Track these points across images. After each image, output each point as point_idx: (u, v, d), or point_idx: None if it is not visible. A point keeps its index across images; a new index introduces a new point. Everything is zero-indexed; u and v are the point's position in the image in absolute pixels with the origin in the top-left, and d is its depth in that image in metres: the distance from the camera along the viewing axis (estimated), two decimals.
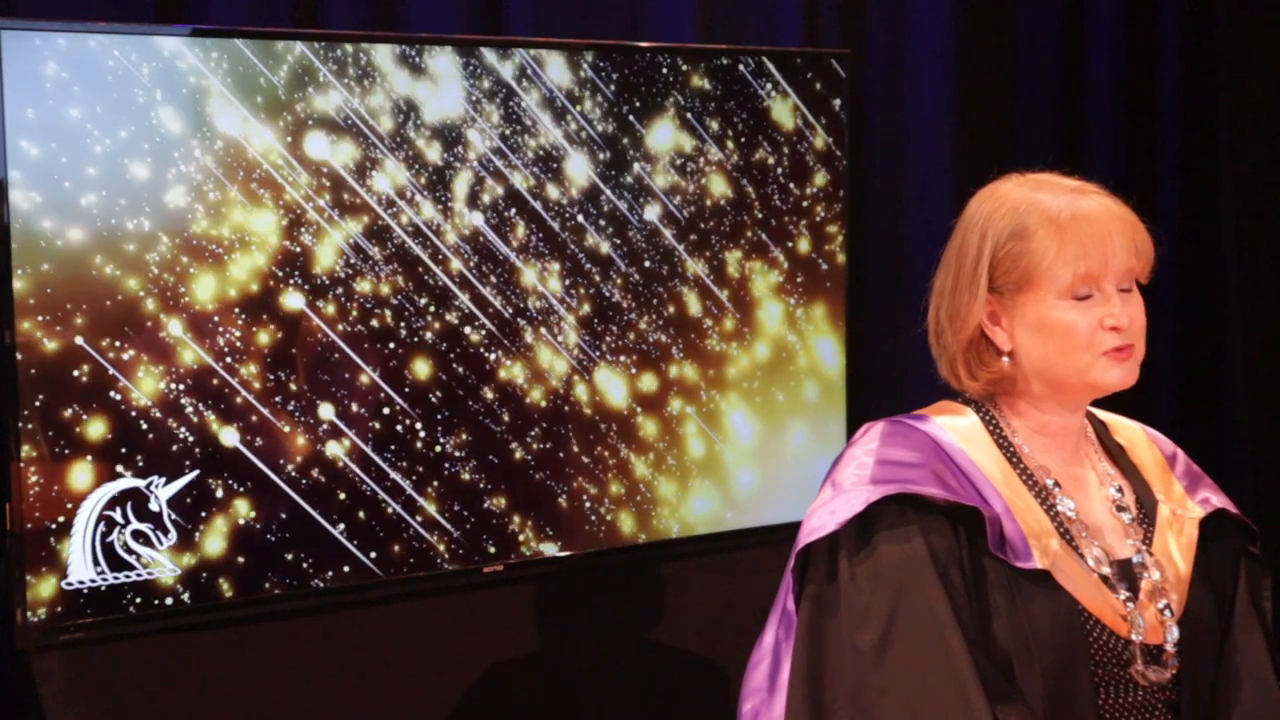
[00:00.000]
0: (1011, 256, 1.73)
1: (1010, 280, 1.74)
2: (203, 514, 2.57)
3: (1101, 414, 1.93)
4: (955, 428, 1.79)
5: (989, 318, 1.77)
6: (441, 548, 2.79)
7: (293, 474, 2.65)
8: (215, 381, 2.57)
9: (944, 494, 1.70)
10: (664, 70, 2.96)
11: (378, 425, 2.72)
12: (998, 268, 1.74)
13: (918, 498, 1.70)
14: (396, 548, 2.75)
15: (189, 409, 2.55)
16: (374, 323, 2.70)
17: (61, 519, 2.46)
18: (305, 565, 2.66)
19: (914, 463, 1.73)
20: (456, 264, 2.78)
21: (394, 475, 2.74)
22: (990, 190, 1.80)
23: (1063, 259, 1.70)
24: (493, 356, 2.83)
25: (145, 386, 2.51)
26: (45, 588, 2.46)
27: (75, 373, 2.46)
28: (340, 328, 2.68)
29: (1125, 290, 1.74)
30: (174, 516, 2.55)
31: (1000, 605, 1.69)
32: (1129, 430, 1.93)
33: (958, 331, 1.78)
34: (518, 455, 2.86)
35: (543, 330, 2.87)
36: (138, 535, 2.52)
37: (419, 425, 2.76)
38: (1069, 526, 1.76)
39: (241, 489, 2.60)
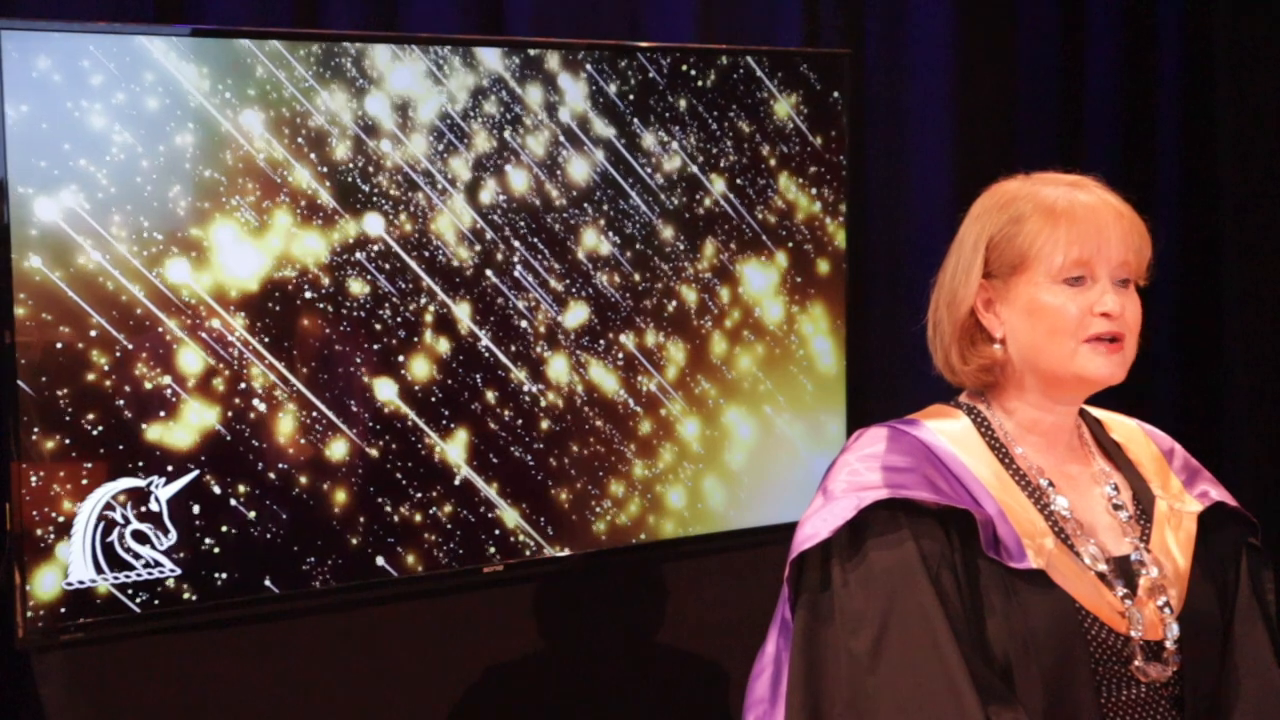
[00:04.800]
0: (1006, 240, 1.75)
1: (1004, 263, 1.76)
2: (203, 513, 2.57)
3: (1096, 412, 1.93)
4: (947, 431, 1.80)
5: (984, 305, 1.78)
6: (442, 548, 2.79)
7: (293, 474, 2.65)
8: (216, 381, 2.57)
9: (934, 497, 1.70)
10: (664, 70, 2.96)
11: (378, 425, 2.72)
12: (993, 251, 1.76)
13: (909, 502, 1.70)
14: (397, 547, 2.75)
15: (189, 408, 2.55)
16: (375, 322, 2.71)
17: (61, 519, 2.46)
18: (305, 565, 2.66)
19: (904, 467, 1.74)
20: (456, 263, 2.78)
21: (394, 475, 2.74)
22: (995, 187, 1.83)
23: (1055, 241, 1.72)
24: (493, 356, 2.83)
25: (145, 386, 2.51)
26: (45, 588, 2.46)
27: (75, 373, 2.46)
28: (341, 327, 2.68)
29: (1121, 286, 1.75)
30: (174, 516, 2.55)
31: (996, 606, 1.69)
32: (1125, 428, 1.93)
33: (953, 316, 1.80)
34: (518, 455, 2.87)
35: (542, 329, 2.87)
36: (138, 535, 2.52)
37: (419, 425, 2.76)
38: (1063, 525, 1.76)
39: (242, 489, 2.60)
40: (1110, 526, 1.79)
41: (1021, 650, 1.67)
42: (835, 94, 3.17)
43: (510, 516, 2.87)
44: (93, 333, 2.47)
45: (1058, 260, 1.72)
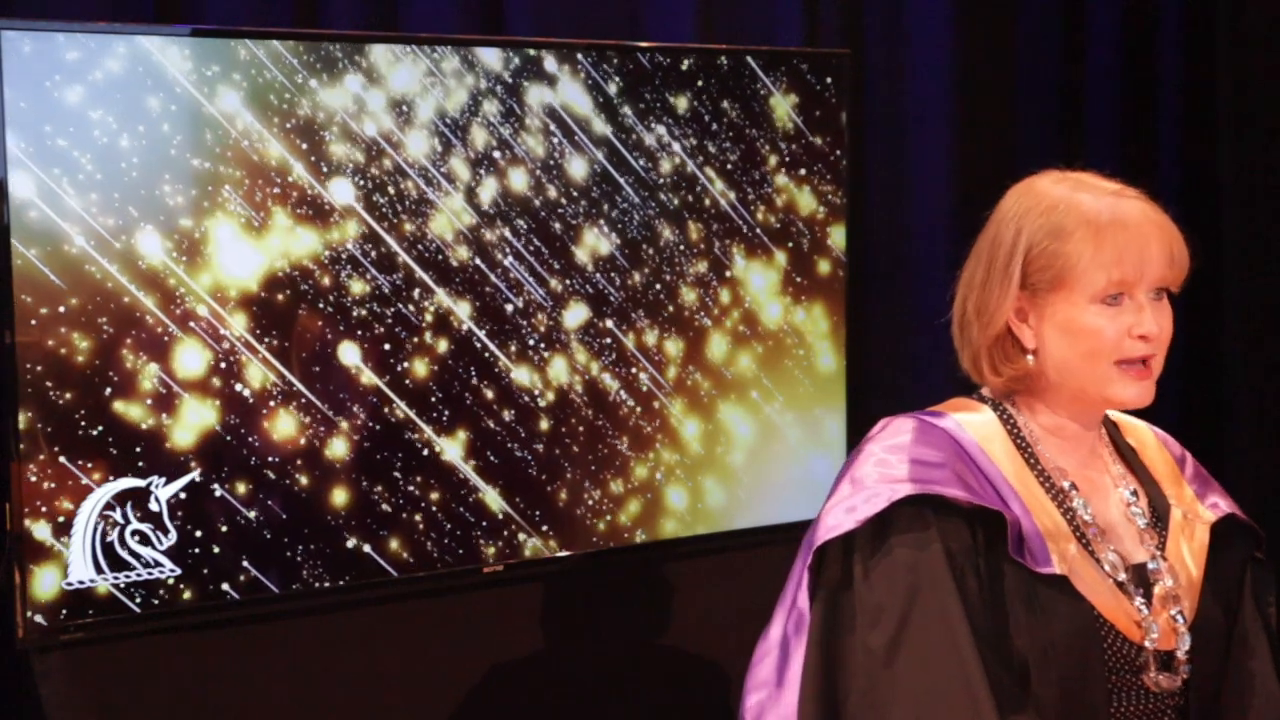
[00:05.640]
0: (1047, 255, 1.71)
1: (1043, 279, 1.72)
2: (203, 513, 2.57)
3: (1113, 414, 1.91)
4: (973, 425, 1.78)
5: (1016, 314, 1.75)
6: (441, 547, 2.79)
7: (293, 473, 2.64)
8: (215, 381, 2.57)
9: (967, 496, 1.68)
10: (663, 69, 2.96)
11: (378, 425, 2.72)
12: (1031, 265, 1.72)
13: (936, 499, 1.68)
14: (396, 547, 2.75)
15: (189, 408, 2.55)
16: (374, 321, 2.70)
17: (61, 519, 2.46)
18: (305, 565, 2.66)
19: (936, 462, 1.71)
20: (456, 262, 2.78)
21: (394, 474, 2.74)
22: (1028, 185, 1.78)
23: (1099, 263, 1.69)
24: (493, 355, 2.83)
25: (145, 386, 2.51)
26: (45, 588, 2.46)
27: (75, 372, 2.46)
28: (340, 326, 2.68)
29: (1155, 298, 1.73)
30: (174, 516, 2.55)
31: (1018, 610, 1.67)
32: (1139, 432, 1.92)
33: (985, 326, 1.76)
34: (518, 454, 2.86)
35: (542, 329, 2.87)
36: (138, 535, 2.52)
37: (419, 424, 2.76)
38: (1085, 530, 1.75)
39: (241, 488, 2.60)
40: (1129, 532, 1.78)
41: (1041, 657, 1.66)
42: (835, 94, 3.17)
43: (510, 516, 2.87)
44: (94, 332, 2.46)
45: (1100, 282, 1.69)
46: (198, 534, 2.57)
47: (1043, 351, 1.75)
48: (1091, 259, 1.69)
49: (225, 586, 2.59)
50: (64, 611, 2.47)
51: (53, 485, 2.45)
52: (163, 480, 2.54)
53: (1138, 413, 1.98)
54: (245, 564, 2.61)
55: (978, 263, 1.78)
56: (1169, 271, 1.72)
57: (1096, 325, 1.70)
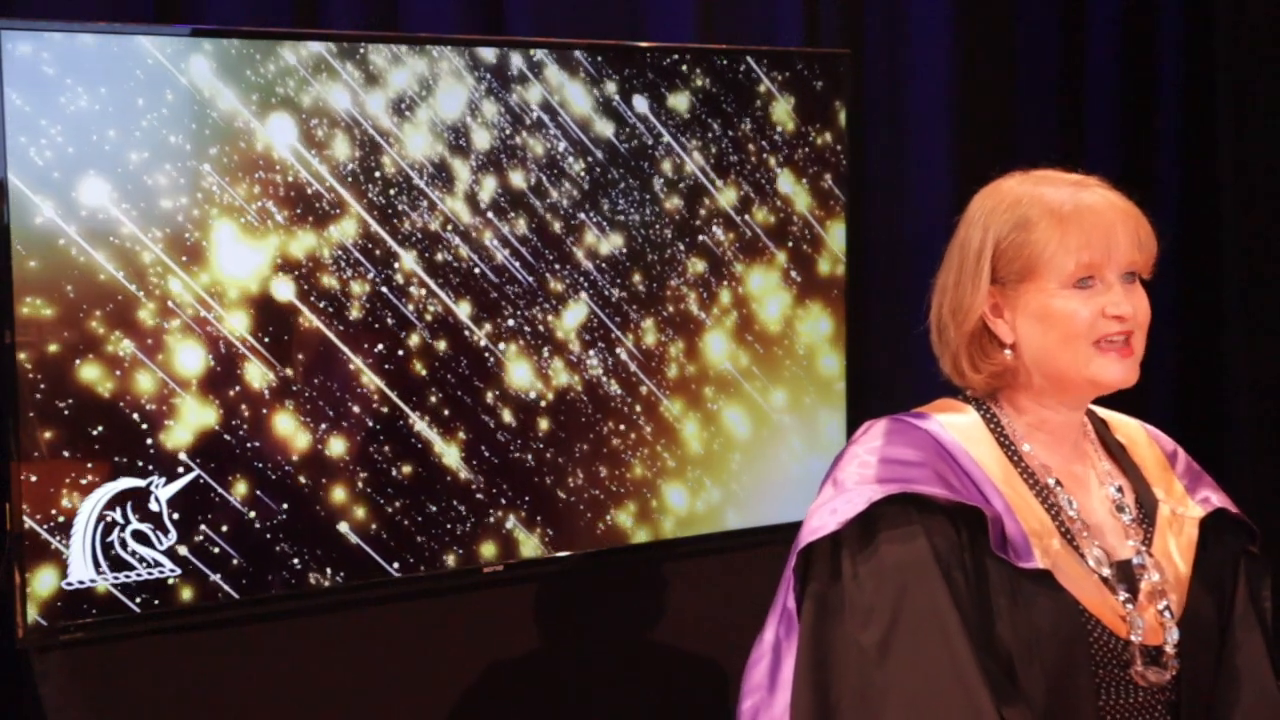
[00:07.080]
0: (1014, 247, 1.73)
1: (1013, 271, 1.74)
2: (203, 513, 2.57)
3: (1102, 412, 1.93)
4: (956, 425, 1.79)
5: (991, 310, 1.77)
6: (441, 547, 2.79)
7: (293, 473, 2.65)
8: (215, 381, 2.57)
9: (946, 493, 1.70)
10: (664, 70, 2.96)
11: (377, 425, 2.72)
12: (1000, 259, 1.75)
13: (920, 497, 1.69)
14: (396, 547, 2.75)
15: (189, 408, 2.55)
16: (374, 321, 2.70)
17: (61, 519, 2.46)
18: (305, 565, 2.66)
19: (916, 461, 1.73)
20: (456, 263, 2.78)
21: (394, 474, 2.74)
22: (992, 187, 1.81)
23: (1065, 248, 1.71)
24: (493, 356, 2.83)
25: (145, 386, 2.51)
26: (45, 588, 2.46)
27: (75, 372, 2.46)
28: (340, 326, 2.68)
29: (1128, 281, 1.74)
30: (174, 516, 2.55)
31: (1002, 605, 1.69)
32: (1129, 428, 1.93)
33: (960, 325, 1.78)
34: (518, 455, 2.87)
35: (542, 330, 2.87)
36: (138, 535, 2.52)
37: (419, 425, 2.76)
38: (1069, 526, 1.76)
39: (242, 488, 2.60)
40: (1114, 528, 1.79)
41: (1026, 651, 1.67)
42: (835, 94, 3.17)
43: (510, 516, 2.87)
44: (93, 332, 2.47)
45: (1069, 267, 1.71)
46: (197, 534, 2.57)
47: (1020, 344, 1.76)
48: (1058, 245, 1.71)
49: (225, 586, 2.60)
50: (64, 611, 2.47)
51: (53, 485, 2.45)
52: (163, 480, 2.54)
53: (1135, 409, 1.99)
54: (245, 564, 2.61)
55: (949, 267, 1.81)
56: (1138, 254, 1.74)
57: (1070, 308, 1.72)
